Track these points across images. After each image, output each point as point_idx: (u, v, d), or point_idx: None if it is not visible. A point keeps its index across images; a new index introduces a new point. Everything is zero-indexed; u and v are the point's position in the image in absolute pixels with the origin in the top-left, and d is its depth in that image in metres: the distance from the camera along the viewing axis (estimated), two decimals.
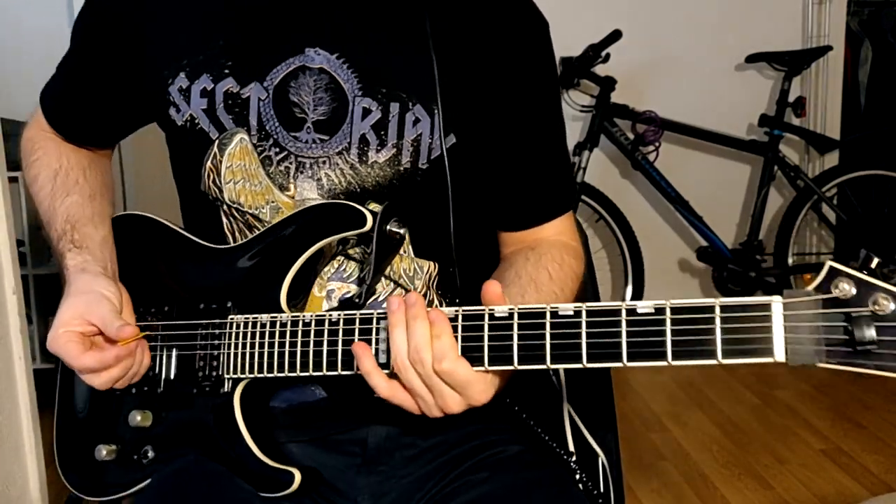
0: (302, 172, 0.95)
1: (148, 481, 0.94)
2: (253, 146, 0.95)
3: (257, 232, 0.95)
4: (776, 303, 0.68)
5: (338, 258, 0.95)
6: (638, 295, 3.11)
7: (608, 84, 3.04)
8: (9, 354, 1.65)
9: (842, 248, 3.37)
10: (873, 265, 0.66)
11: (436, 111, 0.94)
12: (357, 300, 0.92)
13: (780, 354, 0.68)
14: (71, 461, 1.01)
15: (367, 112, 0.94)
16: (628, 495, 0.96)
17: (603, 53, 2.94)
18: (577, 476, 0.97)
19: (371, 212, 0.89)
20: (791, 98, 3.20)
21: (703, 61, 3.38)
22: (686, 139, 3.31)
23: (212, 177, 0.95)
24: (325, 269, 0.95)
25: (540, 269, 0.95)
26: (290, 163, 0.95)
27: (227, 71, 0.95)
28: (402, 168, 0.94)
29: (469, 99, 0.95)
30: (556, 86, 1.04)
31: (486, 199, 1.00)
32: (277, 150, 0.95)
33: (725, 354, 0.69)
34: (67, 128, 1.08)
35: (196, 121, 0.96)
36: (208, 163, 0.95)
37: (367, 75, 0.94)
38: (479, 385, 0.79)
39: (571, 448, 1.02)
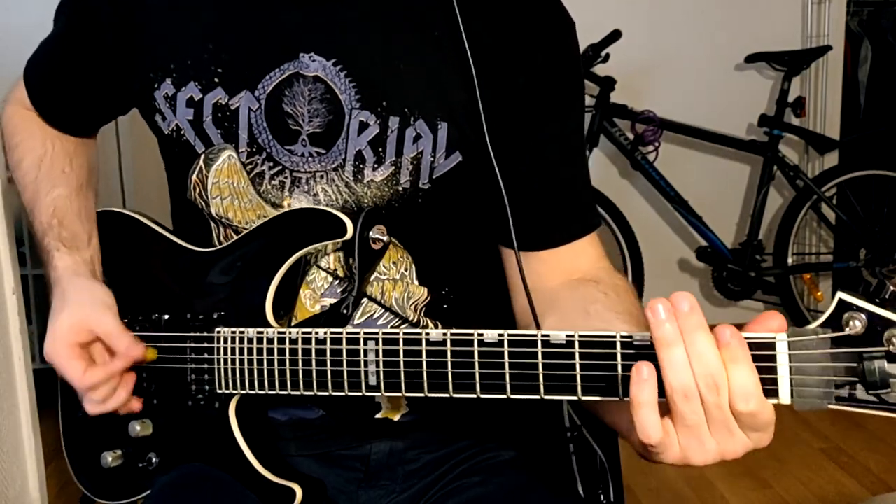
0: (297, 187, 0.89)
1: (156, 485, 0.92)
2: (242, 164, 0.90)
3: (239, 236, 0.91)
4: (781, 341, 0.62)
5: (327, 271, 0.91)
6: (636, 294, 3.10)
7: (608, 84, 3.03)
8: (8, 355, 1.65)
9: (841, 248, 3.36)
10: (888, 295, 0.59)
11: (440, 127, 0.86)
12: (345, 311, 0.88)
13: (785, 397, 0.62)
14: (81, 468, 1.00)
15: (363, 126, 0.87)
16: (627, 495, 0.96)
17: (602, 53, 2.94)
18: (577, 476, 0.97)
19: (352, 219, 0.84)
20: (791, 98, 3.20)
21: (703, 61, 3.37)
22: (686, 139, 3.30)
23: (198, 189, 0.92)
24: (320, 284, 0.91)
25: (626, 303, 0.85)
26: (285, 177, 0.89)
27: (216, 80, 0.88)
28: (400, 188, 0.88)
29: (490, 111, 0.85)
30: (583, 91, 0.95)
31: (517, 217, 0.87)
32: (271, 164, 0.89)
33: None
34: (51, 114, 1.03)
35: (182, 131, 0.91)
36: (194, 176, 0.92)
37: (366, 86, 0.86)
38: (773, 426, 0.63)
39: (571, 448, 1.02)
